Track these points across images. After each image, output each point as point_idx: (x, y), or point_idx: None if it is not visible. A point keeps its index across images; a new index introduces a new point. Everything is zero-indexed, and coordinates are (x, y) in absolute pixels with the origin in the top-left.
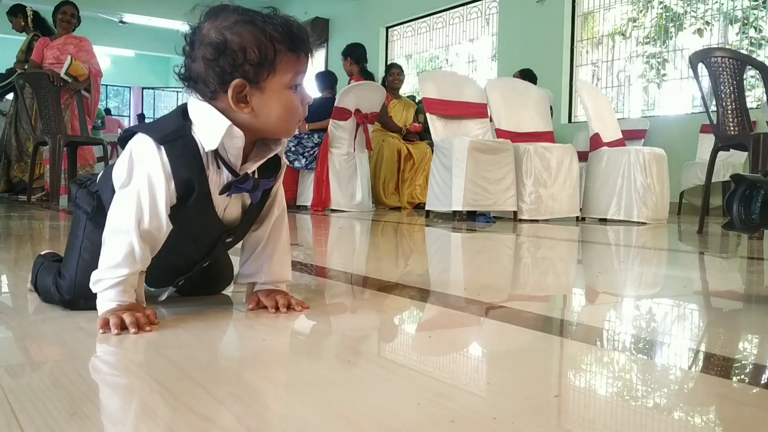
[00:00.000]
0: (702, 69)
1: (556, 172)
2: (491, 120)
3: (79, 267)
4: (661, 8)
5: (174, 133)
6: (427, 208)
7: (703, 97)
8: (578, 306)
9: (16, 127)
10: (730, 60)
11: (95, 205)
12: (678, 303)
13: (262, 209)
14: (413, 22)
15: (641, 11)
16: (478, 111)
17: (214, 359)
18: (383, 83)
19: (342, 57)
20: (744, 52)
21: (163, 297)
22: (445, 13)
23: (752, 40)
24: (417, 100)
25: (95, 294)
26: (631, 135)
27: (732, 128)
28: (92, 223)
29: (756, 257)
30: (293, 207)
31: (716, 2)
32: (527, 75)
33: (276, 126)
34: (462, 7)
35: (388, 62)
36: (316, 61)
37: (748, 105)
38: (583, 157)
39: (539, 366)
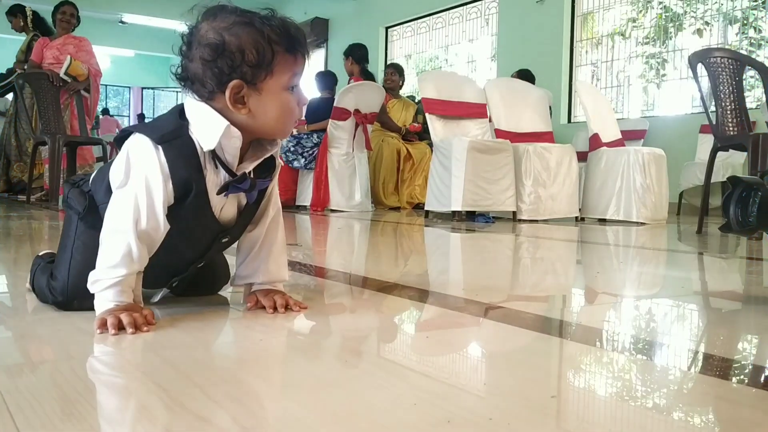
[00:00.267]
0: (701, 69)
1: (555, 172)
2: (490, 120)
3: (71, 268)
4: (661, 8)
5: (172, 133)
6: (426, 208)
7: (702, 98)
8: (577, 306)
9: (15, 126)
10: (730, 60)
11: (87, 205)
12: (677, 303)
13: (258, 209)
14: (413, 22)
15: (641, 11)
16: (478, 111)
17: (211, 359)
18: (383, 83)
19: (343, 56)
20: (743, 52)
21: (157, 298)
22: (444, 13)
23: (752, 41)
24: (417, 100)
25: (89, 294)
26: (630, 135)
27: (731, 128)
28: (84, 223)
29: (755, 258)
30: (292, 207)
31: (716, 2)
32: (525, 75)
33: (273, 127)
34: (461, 7)
35: (388, 62)
36: (316, 61)
37: (748, 105)
38: (582, 157)
39: (537, 367)
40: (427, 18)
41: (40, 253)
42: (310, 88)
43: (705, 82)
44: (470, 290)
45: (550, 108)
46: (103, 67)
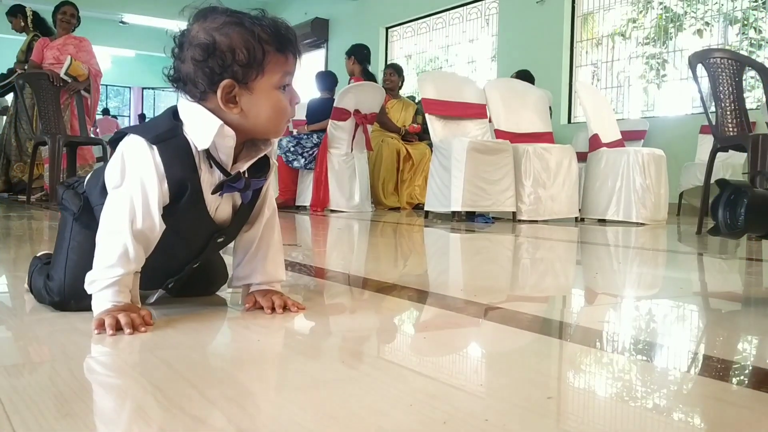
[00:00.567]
0: (701, 70)
1: (555, 172)
2: (490, 121)
3: (67, 268)
4: (661, 9)
5: (166, 133)
6: (426, 208)
7: (702, 98)
8: (575, 307)
9: (15, 127)
10: (730, 61)
11: (81, 206)
12: (676, 304)
13: (253, 210)
14: (413, 23)
15: (641, 12)
16: (477, 112)
17: (208, 360)
18: (382, 84)
19: (345, 56)
20: (744, 53)
21: (153, 299)
22: (444, 13)
23: (752, 41)
24: (417, 101)
25: (86, 294)
26: (630, 136)
27: (731, 129)
28: (78, 223)
29: (755, 258)
30: (292, 207)
31: (716, 3)
32: (525, 76)
33: (265, 126)
34: (462, 8)
35: (388, 63)
36: (316, 61)
37: (748, 106)
38: (582, 157)
39: (534, 368)
40: (428, 18)
41: (38, 254)
42: (310, 89)
43: (705, 82)
44: (469, 291)
45: (550, 108)
46: (104, 68)
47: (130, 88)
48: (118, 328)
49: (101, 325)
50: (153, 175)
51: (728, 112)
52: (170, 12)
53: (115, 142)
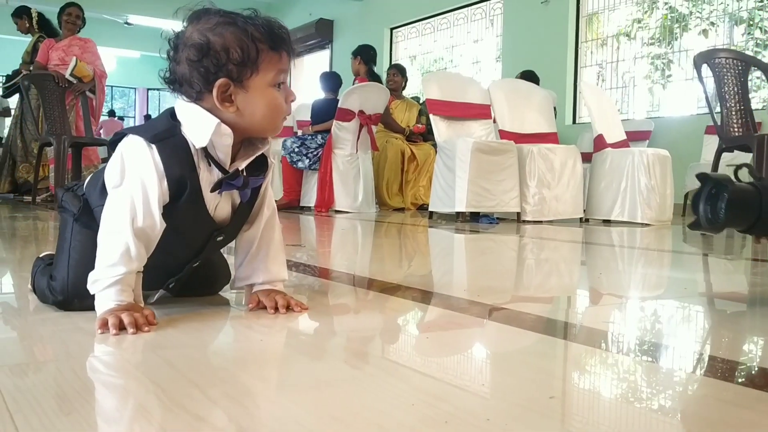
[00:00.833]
0: (707, 70)
1: (559, 173)
2: (495, 121)
3: (69, 267)
4: (666, 9)
5: (164, 133)
6: (430, 209)
7: (707, 99)
8: (579, 308)
9: (21, 127)
10: (735, 61)
11: (81, 207)
12: (681, 305)
13: (252, 209)
14: (418, 23)
15: (646, 12)
16: (482, 112)
17: (210, 360)
18: (386, 84)
19: (352, 56)
20: (749, 53)
21: (153, 299)
22: (449, 14)
23: (758, 41)
24: (421, 101)
25: (89, 293)
26: (635, 136)
27: (736, 129)
28: (79, 224)
29: (760, 259)
30: (297, 208)
31: (722, 3)
32: (529, 76)
33: (261, 124)
34: (466, 8)
35: (392, 63)
36: (321, 62)
37: (754, 106)
38: (587, 158)
39: (537, 368)
40: (432, 19)
41: (41, 255)
42: (314, 89)
43: (710, 83)
44: (473, 291)
45: (554, 109)
46: (109, 69)
47: (135, 89)
48: (121, 327)
49: (104, 325)
50: (153, 174)
51: (734, 113)
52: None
53: (113, 143)
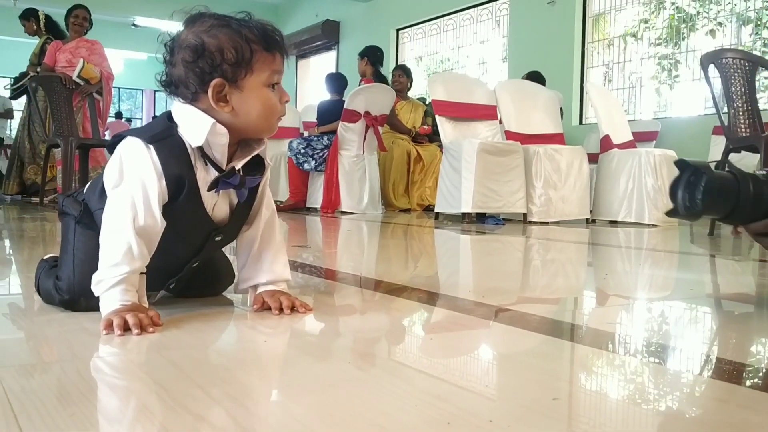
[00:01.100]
0: (714, 70)
1: (566, 174)
2: (501, 122)
3: (75, 266)
4: (674, 9)
5: (161, 133)
6: (436, 210)
7: (714, 99)
8: (585, 309)
9: (29, 129)
10: (742, 61)
11: (82, 210)
12: (688, 306)
13: (250, 209)
14: (424, 24)
15: (653, 12)
16: (488, 113)
17: (214, 360)
18: (391, 85)
19: (359, 57)
20: (757, 53)
21: (154, 299)
22: (455, 14)
23: (765, 42)
24: (427, 102)
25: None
26: (642, 137)
27: (743, 130)
28: (81, 225)
29: None
30: (303, 209)
31: (729, 3)
32: (535, 77)
33: (256, 123)
34: (472, 9)
35: (398, 64)
36: (327, 63)
37: (761, 107)
38: (593, 158)
39: (541, 369)
40: (438, 20)
41: (45, 257)
42: (320, 90)
43: (717, 83)
44: (479, 293)
45: (561, 109)
46: (116, 70)
47: (142, 90)
48: (126, 328)
49: (109, 326)
50: (152, 173)
51: (741, 113)
52: (182, 15)
53: (112, 146)
